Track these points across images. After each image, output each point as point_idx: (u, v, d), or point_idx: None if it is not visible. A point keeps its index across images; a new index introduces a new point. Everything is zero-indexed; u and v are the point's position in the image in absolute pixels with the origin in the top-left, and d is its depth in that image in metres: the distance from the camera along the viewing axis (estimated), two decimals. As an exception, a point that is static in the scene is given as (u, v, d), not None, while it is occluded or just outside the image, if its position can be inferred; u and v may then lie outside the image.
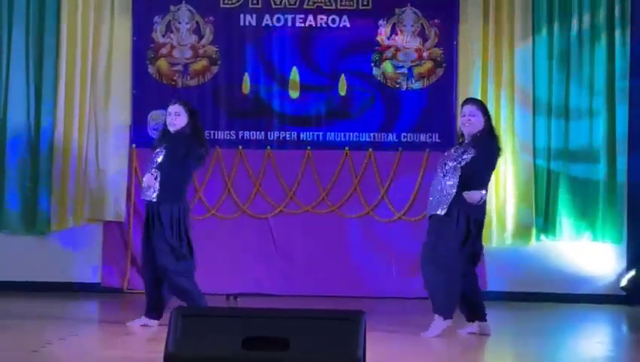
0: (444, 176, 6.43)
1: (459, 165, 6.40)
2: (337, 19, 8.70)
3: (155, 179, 6.53)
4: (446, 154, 6.58)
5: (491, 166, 6.60)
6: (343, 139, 8.71)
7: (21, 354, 5.53)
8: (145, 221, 6.65)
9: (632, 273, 8.49)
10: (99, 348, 6.12)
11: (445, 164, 6.46)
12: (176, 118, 6.63)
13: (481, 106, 6.63)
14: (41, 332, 6.44)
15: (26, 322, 6.95)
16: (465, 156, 6.42)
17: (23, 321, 6.99)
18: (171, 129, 6.66)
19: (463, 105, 6.67)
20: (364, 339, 3.82)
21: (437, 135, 8.62)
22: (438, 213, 6.39)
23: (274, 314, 3.81)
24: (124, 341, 6.22)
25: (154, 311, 6.59)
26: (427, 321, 6.75)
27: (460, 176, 6.38)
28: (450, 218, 6.37)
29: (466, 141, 6.53)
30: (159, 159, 6.58)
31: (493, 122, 6.83)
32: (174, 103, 6.73)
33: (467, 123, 6.50)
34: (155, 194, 6.54)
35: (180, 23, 8.76)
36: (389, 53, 8.70)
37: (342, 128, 8.71)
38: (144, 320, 6.59)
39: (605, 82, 8.50)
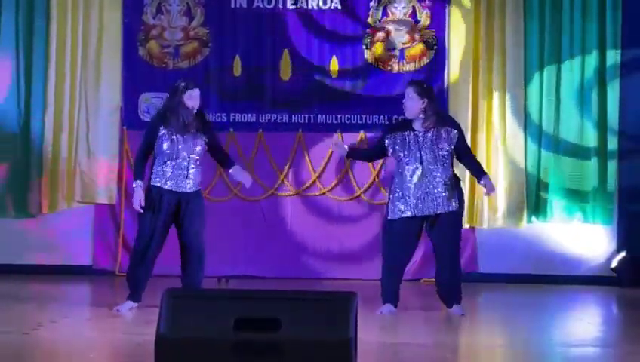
0: (435, 168, 6.44)
1: (445, 152, 6.45)
2: (329, 1, 8.68)
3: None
4: (405, 141, 6.51)
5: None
6: (334, 121, 8.70)
7: (13, 336, 5.53)
8: (169, 210, 6.46)
9: (623, 254, 8.53)
10: (90, 331, 6.13)
11: (426, 153, 6.45)
12: (197, 101, 6.48)
13: (417, 88, 6.56)
14: (32, 315, 6.44)
15: (17, 304, 6.94)
16: (446, 139, 6.47)
17: (14, 304, 6.99)
18: (192, 110, 6.46)
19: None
20: (356, 320, 3.83)
21: (428, 117, 8.61)
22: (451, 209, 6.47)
23: (266, 296, 3.82)
24: (116, 323, 6.22)
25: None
26: (417, 302, 6.79)
27: (450, 161, 6.50)
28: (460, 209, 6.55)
29: (425, 123, 6.50)
30: (198, 148, 6.48)
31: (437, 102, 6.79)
32: (196, 87, 6.52)
33: (404, 105, 6.54)
34: (192, 184, 6.52)
35: (170, 4, 8.73)
36: (380, 35, 8.68)
37: (333, 110, 8.70)
38: (131, 303, 6.58)
39: (597, 61, 8.50)
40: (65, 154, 8.61)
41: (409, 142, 6.50)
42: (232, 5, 8.71)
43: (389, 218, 6.56)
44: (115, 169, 8.65)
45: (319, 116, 8.71)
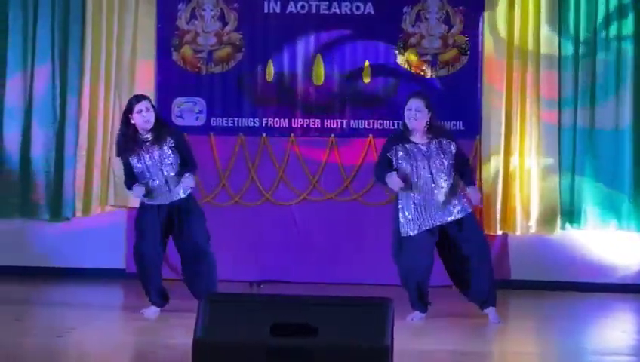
0: (444, 177, 6.48)
1: (449, 162, 6.51)
2: (362, 6, 8.67)
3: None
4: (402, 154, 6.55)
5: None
6: (366, 126, 8.69)
7: (46, 340, 5.58)
8: (161, 221, 6.54)
9: (658, 262, 8.45)
10: (122, 334, 6.16)
11: (429, 165, 6.48)
12: (148, 112, 6.50)
13: (426, 102, 6.61)
14: (65, 318, 6.49)
15: (51, 308, 7.00)
16: (448, 150, 6.54)
17: (48, 307, 7.05)
18: (147, 126, 6.49)
19: (409, 98, 6.67)
20: (392, 327, 3.82)
21: (461, 123, 8.58)
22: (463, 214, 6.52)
23: (302, 301, 3.82)
24: (147, 327, 6.25)
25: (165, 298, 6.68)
26: (449, 308, 6.76)
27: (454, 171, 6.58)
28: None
29: (417, 134, 6.55)
30: (170, 157, 6.50)
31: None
32: (143, 99, 6.55)
33: (413, 118, 6.53)
34: (179, 193, 6.56)
35: (204, 10, 8.77)
36: (413, 41, 8.66)
37: (366, 116, 8.69)
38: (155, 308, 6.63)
39: (633, 66, 8.42)
40: (99, 159, 8.66)
41: (413, 154, 6.52)
42: (265, 10, 8.73)
43: (402, 234, 6.56)
44: (148, 173, 8.67)
45: (352, 121, 8.70)
